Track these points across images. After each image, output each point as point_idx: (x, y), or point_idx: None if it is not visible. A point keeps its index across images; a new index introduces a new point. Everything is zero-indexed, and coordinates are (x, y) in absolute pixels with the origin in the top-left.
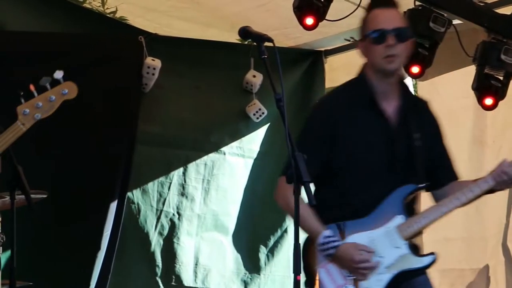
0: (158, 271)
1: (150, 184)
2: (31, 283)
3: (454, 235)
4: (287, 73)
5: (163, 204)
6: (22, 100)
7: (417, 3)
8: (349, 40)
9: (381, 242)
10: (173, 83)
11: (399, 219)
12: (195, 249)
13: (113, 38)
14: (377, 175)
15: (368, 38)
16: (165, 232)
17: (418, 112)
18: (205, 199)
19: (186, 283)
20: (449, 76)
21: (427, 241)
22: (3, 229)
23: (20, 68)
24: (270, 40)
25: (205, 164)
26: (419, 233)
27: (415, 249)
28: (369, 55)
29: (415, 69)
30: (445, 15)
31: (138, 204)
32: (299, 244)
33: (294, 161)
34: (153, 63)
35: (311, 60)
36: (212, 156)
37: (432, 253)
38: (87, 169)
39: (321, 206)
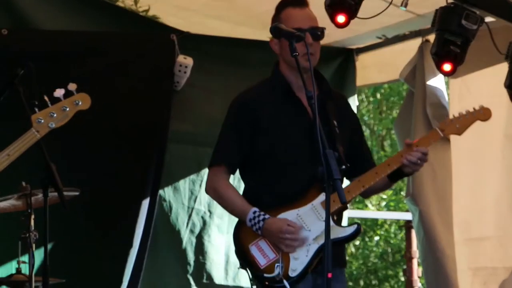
0: (190, 268)
1: (181, 182)
2: (64, 280)
3: (487, 234)
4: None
5: (195, 201)
6: (36, 110)
7: (449, 0)
8: (380, 38)
9: (308, 217)
10: (205, 81)
11: (323, 196)
12: (226, 246)
13: (145, 36)
14: (300, 162)
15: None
16: (197, 230)
17: (336, 103)
18: None
19: (217, 281)
20: (481, 73)
21: (459, 240)
22: (36, 226)
23: (54, 66)
24: (301, 38)
25: None
26: (343, 208)
27: (339, 222)
28: (285, 52)
29: (447, 67)
30: (477, 12)
31: (169, 202)
32: (330, 241)
33: (324, 158)
34: (185, 61)
35: (342, 58)
36: None
37: (356, 223)
38: (119, 167)
39: (248, 194)
